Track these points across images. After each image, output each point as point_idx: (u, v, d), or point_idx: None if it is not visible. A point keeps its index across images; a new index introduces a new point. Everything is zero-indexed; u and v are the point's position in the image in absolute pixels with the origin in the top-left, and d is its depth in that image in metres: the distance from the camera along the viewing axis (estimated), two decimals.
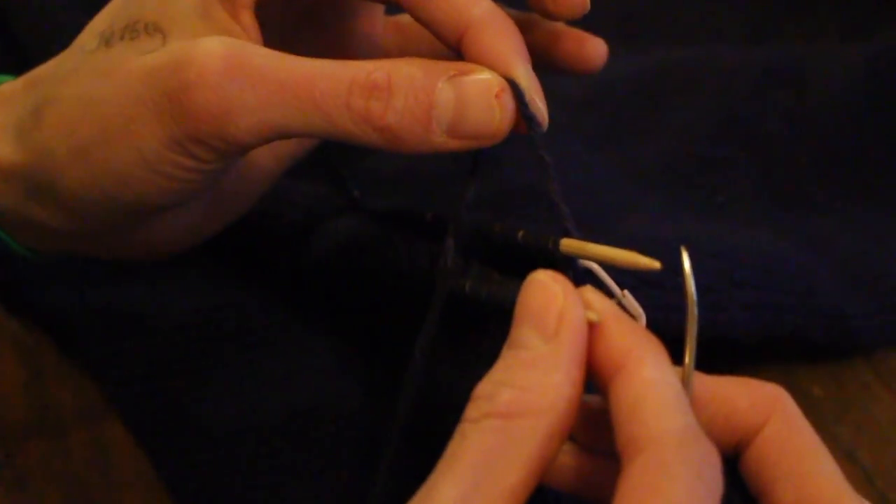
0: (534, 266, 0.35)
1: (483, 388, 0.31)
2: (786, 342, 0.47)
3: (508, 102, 0.35)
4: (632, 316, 0.36)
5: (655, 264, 0.34)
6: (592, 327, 0.32)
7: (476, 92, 0.35)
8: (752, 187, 0.52)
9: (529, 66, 0.36)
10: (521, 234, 0.38)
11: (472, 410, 0.31)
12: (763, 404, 0.34)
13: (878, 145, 0.54)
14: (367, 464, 0.43)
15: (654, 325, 0.33)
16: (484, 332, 0.39)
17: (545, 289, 0.32)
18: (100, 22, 0.40)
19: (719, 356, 0.40)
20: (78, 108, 0.39)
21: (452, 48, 0.36)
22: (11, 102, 0.41)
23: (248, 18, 0.39)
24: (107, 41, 0.39)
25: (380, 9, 0.44)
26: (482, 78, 0.35)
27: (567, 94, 0.53)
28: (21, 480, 0.43)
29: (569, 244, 0.36)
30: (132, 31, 0.39)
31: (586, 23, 0.53)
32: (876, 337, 0.48)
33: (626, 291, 0.36)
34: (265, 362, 0.46)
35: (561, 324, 0.31)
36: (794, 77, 0.55)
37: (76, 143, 0.38)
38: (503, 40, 0.36)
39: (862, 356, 0.49)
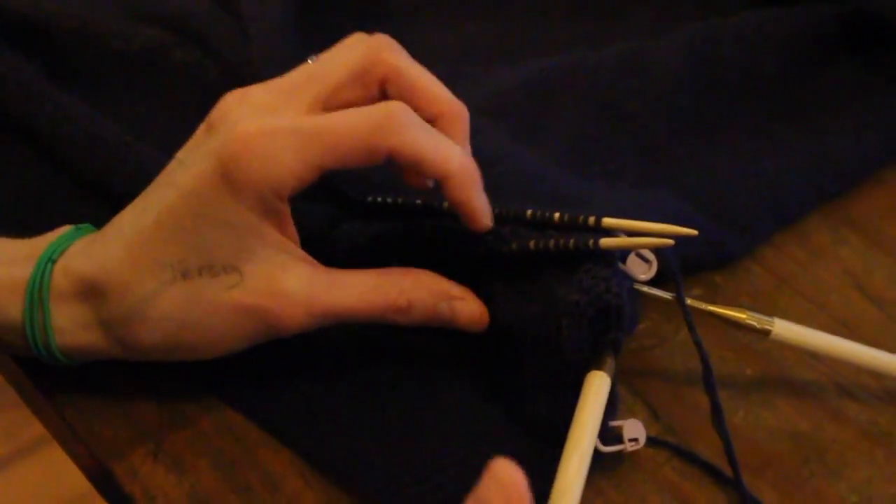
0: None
1: None
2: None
3: (483, 318, 0.55)
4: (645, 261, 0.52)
5: (693, 231, 0.51)
6: None
7: (463, 312, 0.54)
8: (632, 155, 0.69)
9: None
10: (556, 215, 0.54)
11: None
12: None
13: (709, 105, 0.72)
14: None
15: None
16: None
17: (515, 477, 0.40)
18: (166, 254, 0.50)
19: None
20: (171, 326, 0.51)
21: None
22: (88, 305, 0.52)
23: (290, 226, 0.52)
24: (183, 275, 0.50)
25: None
26: (467, 306, 0.54)
27: (477, 105, 0.63)
28: None
29: (610, 221, 0.52)
30: (210, 269, 0.50)
31: (466, 42, 0.70)
32: (722, 253, 0.64)
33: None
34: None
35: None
36: (640, 66, 0.71)
37: (167, 346, 0.52)
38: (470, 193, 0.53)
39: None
